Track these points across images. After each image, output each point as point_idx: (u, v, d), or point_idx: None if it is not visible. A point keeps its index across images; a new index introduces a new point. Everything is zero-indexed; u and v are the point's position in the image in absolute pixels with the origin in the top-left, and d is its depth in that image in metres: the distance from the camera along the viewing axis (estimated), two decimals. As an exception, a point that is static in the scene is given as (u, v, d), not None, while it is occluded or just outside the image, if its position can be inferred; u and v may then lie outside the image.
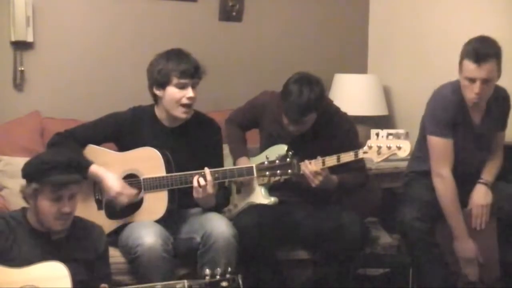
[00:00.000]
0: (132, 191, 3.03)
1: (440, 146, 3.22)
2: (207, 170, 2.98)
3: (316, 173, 3.09)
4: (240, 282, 2.63)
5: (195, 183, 2.97)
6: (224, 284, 2.61)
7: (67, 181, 2.56)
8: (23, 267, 2.49)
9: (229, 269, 2.65)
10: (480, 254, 3.22)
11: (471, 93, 3.12)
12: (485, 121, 3.28)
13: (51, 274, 2.49)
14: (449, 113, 3.21)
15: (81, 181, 2.64)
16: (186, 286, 2.59)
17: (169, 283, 2.61)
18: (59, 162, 2.58)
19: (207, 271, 2.63)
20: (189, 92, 3.03)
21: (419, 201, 3.23)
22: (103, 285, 2.55)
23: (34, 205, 2.59)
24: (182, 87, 3.03)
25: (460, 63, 3.14)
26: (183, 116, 3.07)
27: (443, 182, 3.20)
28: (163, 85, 3.05)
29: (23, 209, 2.68)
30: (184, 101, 3.04)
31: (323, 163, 3.09)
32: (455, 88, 3.22)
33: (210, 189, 2.97)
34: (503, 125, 3.38)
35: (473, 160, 3.33)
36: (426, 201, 3.22)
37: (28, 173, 2.59)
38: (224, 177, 3.02)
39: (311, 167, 3.09)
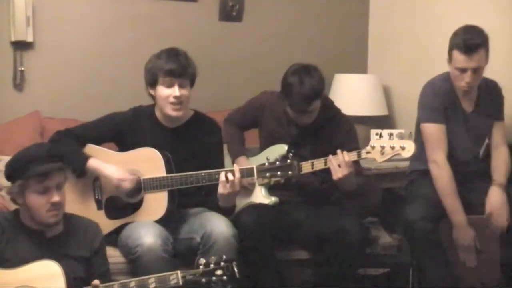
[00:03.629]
0: (132, 176, 3.02)
1: (433, 132, 3.24)
2: (236, 167, 2.98)
3: (347, 164, 3.02)
4: (235, 269, 2.61)
5: (222, 178, 2.95)
6: (219, 272, 2.59)
7: (50, 170, 2.56)
8: (18, 267, 2.49)
9: (224, 256, 2.64)
10: (479, 245, 3.21)
11: (461, 82, 3.18)
12: (477, 110, 3.31)
13: (44, 273, 2.49)
14: (439, 99, 3.25)
15: (64, 168, 2.64)
16: (179, 277, 2.58)
17: (163, 274, 2.59)
18: (39, 153, 2.60)
19: (201, 260, 2.62)
20: (175, 91, 3.02)
21: (422, 200, 3.23)
22: (95, 281, 2.53)
23: (23, 203, 2.59)
24: (168, 85, 3.03)
25: (450, 53, 3.19)
26: (174, 113, 3.06)
27: (439, 167, 3.21)
28: (153, 84, 3.07)
29: (16, 210, 2.68)
30: (171, 99, 3.03)
31: (325, 162, 3.09)
32: (445, 77, 3.28)
33: (237, 186, 2.96)
34: (497, 115, 3.38)
35: (470, 153, 3.35)
36: (429, 200, 3.22)
37: (11, 171, 2.60)
38: (225, 178, 3.02)
39: (345, 156, 3.03)
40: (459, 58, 3.13)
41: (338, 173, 3.04)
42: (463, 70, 3.15)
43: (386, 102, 4.42)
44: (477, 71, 3.15)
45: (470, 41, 3.11)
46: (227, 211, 3.09)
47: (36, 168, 2.54)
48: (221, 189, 2.97)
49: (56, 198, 2.57)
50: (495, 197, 3.22)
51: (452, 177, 3.20)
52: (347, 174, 3.03)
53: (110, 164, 3.04)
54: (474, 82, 3.18)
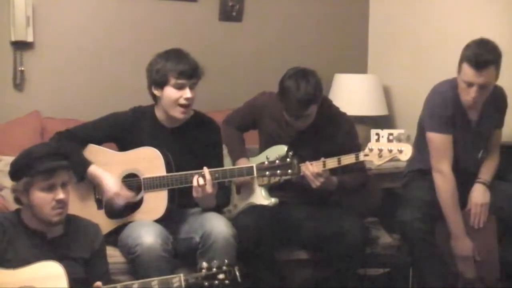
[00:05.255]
0: (129, 193, 3.03)
1: (440, 142, 3.23)
2: (206, 170, 2.98)
3: (317, 175, 3.10)
4: (237, 274, 2.61)
5: (194, 183, 2.97)
6: (221, 276, 2.59)
7: (57, 166, 2.56)
8: (20, 268, 2.48)
9: (226, 261, 2.65)
10: (478, 253, 3.22)
11: (467, 96, 3.15)
12: (482, 119, 3.30)
13: (47, 273, 2.48)
14: (447, 109, 3.22)
15: (70, 167, 2.65)
16: (182, 280, 2.58)
17: (165, 277, 2.59)
18: (44, 151, 2.60)
19: (204, 264, 2.62)
20: (187, 93, 3.02)
21: (419, 201, 3.23)
22: (97, 283, 2.53)
23: (27, 201, 2.58)
24: (179, 87, 3.03)
25: (460, 65, 3.15)
26: (181, 116, 3.07)
27: (443, 177, 3.20)
28: (161, 85, 3.05)
29: (17, 210, 2.68)
30: (182, 101, 3.03)
31: (324, 164, 3.10)
32: (452, 85, 3.24)
33: (209, 189, 2.97)
34: (499, 123, 3.39)
35: (471, 158, 3.35)
36: (426, 201, 3.23)
37: (17, 169, 2.59)
38: (224, 177, 3.02)
39: (312, 168, 3.09)
40: (468, 72, 3.09)
41: (316, 182, 3.11)
42: (470, 85, 3.11)
43: (386, 102, 4.41)
44: (484, 87, 3.11)
45: (481, 57, 3.06)
46: (218, 208, 3.11)
47: (42, 165, 2.54)
48: (194, 193, 2.99)
49: (61, 195, 2.57)
50: (477, 194, 3.25)
51: (456, 188, 3.20)
52: (324, 181, 3.11)
53: (110, 174, 3.03)
54: (479, 98, 3.15)
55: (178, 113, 3.06)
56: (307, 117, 3.20)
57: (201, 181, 2.96)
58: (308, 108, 3.15)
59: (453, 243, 3.22)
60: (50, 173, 2.55)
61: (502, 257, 3.29)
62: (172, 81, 3.02)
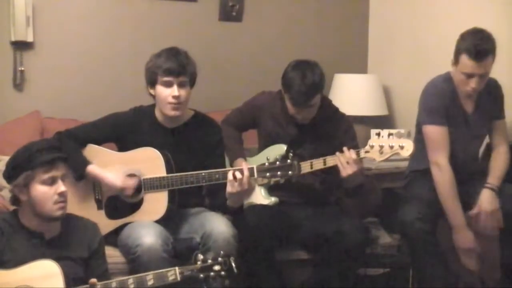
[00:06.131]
0: (133, 181, 3.02)
1: (436, 134, 3.23)
2: (244, 165, 2.98)
3: (355, 161, 3.03)
4: (233, 264, 2.60)
5: (230, 177, 2.95)
6: (216, 268, 2.58)
7: (56, 157, 2.56)
8: (16, 267, 2.48)
9: (221, 252, 2.63)
10: (479, 247, 3.21)
11: (467, 86, 3.16)
12: (478, 110, 3.30)
13: (43, 272, 2.47)
14: (441, 100, 3.23)
15: (67, 159, 2.65)
16: (177, 273, 2.57)
17: (160, 271, 2.57)
18: (44, 145, 2.60)
19: (199, 256, 2.61)
20: (174, 91, 3.01)
21: (420, 201, 3.23)
22: (92, 279, 2.53)
23: (28, 198, 2.57)
24: (167, 85, 3.02)
25: (456, 56, 3.15)
26: (172, 113, 3.06)
27: (440, 170, 3.20)
28: (153, 83, 3.06)
29: (15, 210, 2.67)
30: (170, 99, 3.02)
31: (324, 162, 3.09)
32: (446, 78, 3.26)
33: (246, 184, 2.95)
34: (497, 114, 3.37)
35: (470, 154, 3.35)
36: (427, 201, 3.22)
37: (15, 166, 2.58)
38: (224, 178, 3.01)
39: (352, 153, 3.04)
40: (468, 63, 3.09)
41: (347, 170, 3.03)
42: (469, 76, 3.11)
43: (386, 102, 4.42)
44: (483, 76, 3.13)
45: (480, 47, 3.06)
46: (235, 211, 3.09)
47: (43, 157, 2.54)
48: (229, 188, 2.97)
49: (63, 187, 2.57)
50: (486, 201, 3.20)
51: (454, 180, 3.19)
52: (357, 171, 3.04)
53: (109, 170, 3.04)
54: (479, 87, 3.16)
55: (168, 110, 3.05)
56: (312, 107, 3.20)
57: (238, 175, 2.93)
58: (314, 96, 3.16)
59: (454, 236, 3.20)
60: (51, 165, 2.55)
61: (502, 257, 3.29)
62: (160, 79, 3.03)
